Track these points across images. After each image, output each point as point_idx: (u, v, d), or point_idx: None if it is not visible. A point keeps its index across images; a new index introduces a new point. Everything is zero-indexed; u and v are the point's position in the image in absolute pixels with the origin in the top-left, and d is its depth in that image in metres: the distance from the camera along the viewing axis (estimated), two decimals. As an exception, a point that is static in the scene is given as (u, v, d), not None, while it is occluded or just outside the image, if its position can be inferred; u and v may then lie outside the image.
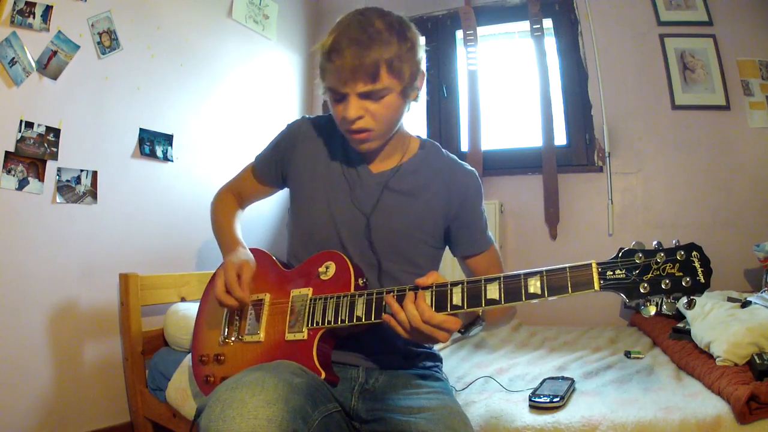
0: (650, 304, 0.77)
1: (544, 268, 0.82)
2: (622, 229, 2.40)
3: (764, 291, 1.70)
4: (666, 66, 2.41)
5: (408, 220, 1.10)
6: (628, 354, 1.66)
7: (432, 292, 0.88)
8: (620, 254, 0.78)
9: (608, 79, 2.49)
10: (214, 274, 1.26)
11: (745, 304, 1.61)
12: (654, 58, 2.43)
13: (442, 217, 1.12)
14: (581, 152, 2.54)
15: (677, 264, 0.76)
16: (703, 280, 0.74)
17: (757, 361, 1.22)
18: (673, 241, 0.78)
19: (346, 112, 0.99)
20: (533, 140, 2.61)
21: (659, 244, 0.78)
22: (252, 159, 1.28)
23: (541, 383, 1.33)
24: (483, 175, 2.56)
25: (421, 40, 1.05)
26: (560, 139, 2.57)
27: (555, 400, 1.20)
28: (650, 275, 0.76)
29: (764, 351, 1.27)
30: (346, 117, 0.99)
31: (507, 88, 2.83)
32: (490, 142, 2.69)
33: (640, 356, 1.63)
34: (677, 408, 1.13)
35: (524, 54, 2.72)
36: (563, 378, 1.37)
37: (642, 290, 0.76)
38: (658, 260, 0.76)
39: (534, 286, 0.82)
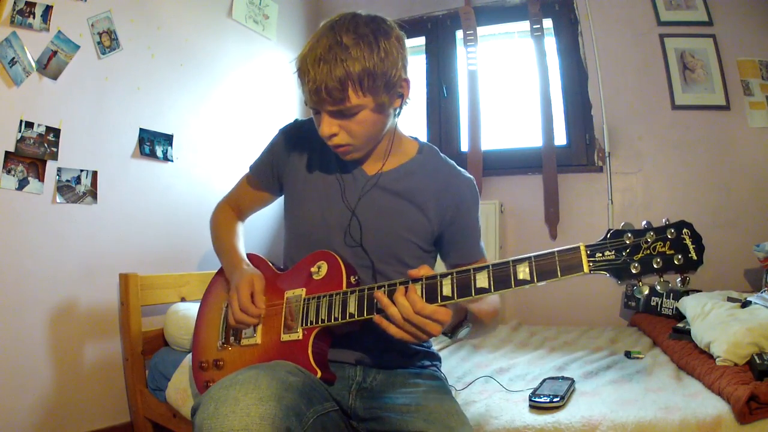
0: (642, 285, 0.76)
1: (532, 254, 0.81)
2: (622, 229, 2.40)
3: (764, 291, 1.70)
4: (666, 66, 2.40)
5: (399, 222, 1.08)
6: (628, 354, 1.66)
7: (422, 284, 0.87)
8: (609, 235, 0.77)
9: (608, 79, 2.49)
10: (210, 284, 1.26)
11: (745, 304, 1.61)
12: (654, 58, 2.43)
13: (437, 222, 1.10)
14: (581, 152, 2.53)
15: (668, 242, 0.74)
16: (695, 257, 0.73)
17: (757, 361, 1.22)
18: (663, 220, 0.76)
19: (320, 129, 0.99)
20: (533, 140, 2.61)
21: (648, 223, 0.77)
22: (250, 161, 1.27)
23: (541, 383, 1.33)
24: (483, 175, 2.57)
25: (406, 42, 1.00)
26: (560, 139, 2.57)
27: (555, 400, 1.20)
28: (641, 255, 0.75)
29: (764, 351, 1.27)
30: (321, 134, 1.00)
31: (507, 88, 2.83)
32: (490, 142, 2.69)
33: (640, 356, 1.63)
34: (677, 408, 1.13)
35: (524, 54, 2.72)
36: (563, 378, 1.37)
37: (633, 270, 0.75)
38: (648, 239, 0.75)
39: (523, 272, 0.81)
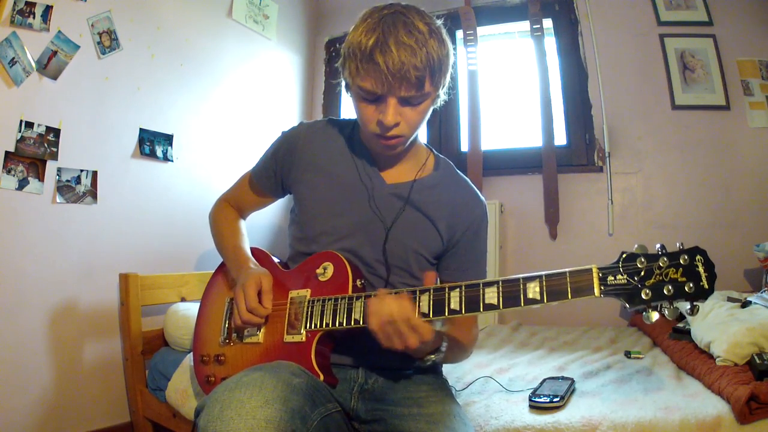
0: (652, 310, 0.75)
1: (543, 273, 0.81)
2: (622, 229, 2.40)
3: (764, 291, 1.70)
4: (666, 66, 2.40)
5: (416, 236, 1.08)
6: (628, 354, 1.65)
7: (429, 295, 0.87)
8: (622, 258, 0.77)
9: (608, 79, 2.49)
10: (212, 279, 1.25)
11: (745, 304, 1.61)
12: (654, 58, 2.43)
13: (446, 238, 1.10)
14: (581, 152, 2.53)
15: (680, 269, 0.74)
16: (707, 286, 0.73)
17: (757, 361, 1.22)
18: (677, 244, 0.76)
19: (384, 117, 0.94)
20: (533, 140, 2.61)
21: (662, 247, 0.76)
22: (251, 161, 1.25)
23: (541, 383, 1.33)
24: (483, 175, 2.57)
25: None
26: (560, 139, 2.57)
27: (555, 400, 1.20)
28: (652, 280, 0.75)
29: (764, 351, 1.27)
30: (384, 122, 0.94)
31: (507, 88, 2.83)
32: (490, 142, 2.68)
33: (640, 356, 1.63)
34: (677, 408, 1.13)
35: (524, 54, 2.72)
36: (563, 378, 1.37)
37: (644, 296, 0.74)
38: (661, 265, 0.74)
39: (533, 291, 0.81)
